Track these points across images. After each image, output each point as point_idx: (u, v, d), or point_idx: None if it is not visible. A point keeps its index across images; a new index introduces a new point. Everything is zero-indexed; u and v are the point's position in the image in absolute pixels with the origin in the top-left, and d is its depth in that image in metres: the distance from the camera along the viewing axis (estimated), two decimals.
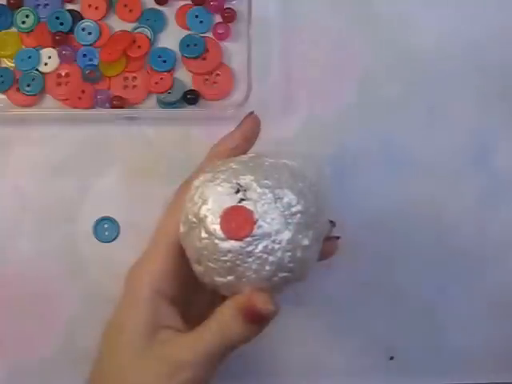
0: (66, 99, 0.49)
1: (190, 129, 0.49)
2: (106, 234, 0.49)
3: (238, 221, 0.35)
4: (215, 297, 0.41)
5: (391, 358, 0.50)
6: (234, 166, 0.36)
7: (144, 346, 0.37)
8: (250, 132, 0.41)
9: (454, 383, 0.50)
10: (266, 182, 0.35)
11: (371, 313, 0.49)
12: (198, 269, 0.37)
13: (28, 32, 0.49)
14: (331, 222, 0.40)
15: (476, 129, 0.50)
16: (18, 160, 0.49)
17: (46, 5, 0.49)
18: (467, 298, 0.50)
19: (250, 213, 0.35)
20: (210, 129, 0.49)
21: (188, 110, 0.49)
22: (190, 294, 0.40)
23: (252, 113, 0.41)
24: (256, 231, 0.34)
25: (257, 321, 0.36)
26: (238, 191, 0.35)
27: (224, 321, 0.36)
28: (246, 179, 0.35)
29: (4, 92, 0.49)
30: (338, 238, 0.42)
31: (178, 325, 0.38)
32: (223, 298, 0.40)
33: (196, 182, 0.37)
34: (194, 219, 0.36)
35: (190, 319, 0.39)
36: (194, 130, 0.49)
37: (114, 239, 0.49)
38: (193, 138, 0.49)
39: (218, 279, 0.36)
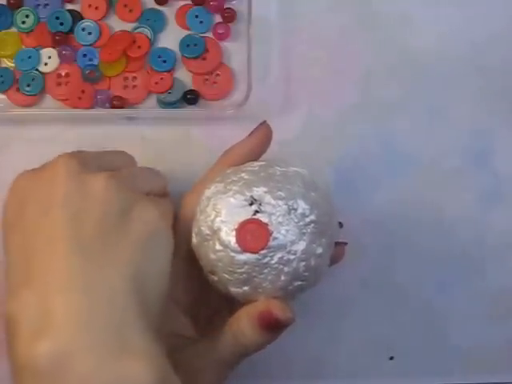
0: (66, 99, 0.49)
1: (190, 129, 0.49)
2: None
3: (253, 234, 0.35)
4: (221, 303, 0.41)
5: (391, 358, 0.50)
6: (246, 177, 0.37)
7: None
8: (261, 140, 0.41)
9: (454, 383, 0.50)
10: (279, 193, 0.36)
11: (371, 313, 0.49)
12: (212, 278, 0.37)
13: (28, 32, 0.49)
14: (339, 223, 0.40)
15: (477, 129, 0.50)
16: (18, 160, 0.49)
17: (46, 5, 0.49)
18: (467, 297, 0.50)
19: (264, 226, 0.35)
20: (209, 129, 0.49)
21: (188, 110, 0.49)
22: (200, 301, 0.40)
23: (264, 122, 0.41)
24: (271, 243, 0.35)
25: (274, 328, 0.36)
26: (251, 203, 0.36)
27: (239, 328, 0.36)
28: (259, 191, 0.36)
29: (4, 92, 0.49)
30: (345, 243, 0.42)
31: (189, 332, 0.38)
32: (228, 304, 0.40)
33: (207, 193, 0.37)
34: (208, 231, 0.36)
35: (197, 326, 0.39)
36: (194, 129, 0.49)
37: None
38: (193, 137, 0.49)
39: (234, 289, 0.36)
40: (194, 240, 0.37)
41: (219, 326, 0.37)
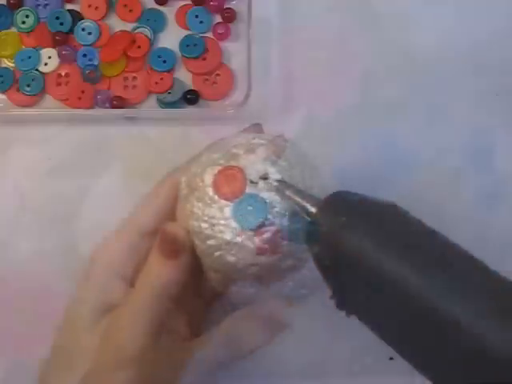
0: (66, 99, 0.49)
1: (190, 129, 0.49)
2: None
3: (228, 179, 0.34)
4: (213, 297, 0.41)
5: (391, 358, 0.49)
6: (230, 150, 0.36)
7: (93, 320, 0.37)
8: None
9: None
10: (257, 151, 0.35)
11: None
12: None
13: (28, 32, 0.49)
14: None
15: (476, 129, 0.50)
16: (18, 160, 0.49)
17: (46, 5, 0.49)
18: None
19: (241, 171, 0.34)
20: (209, 129, 0.49)
21: (188, 110, 0.49)
22: (192, 294, 0.40)
23: (259, 123, 0.41)
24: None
25: (273, 330, 0.36)
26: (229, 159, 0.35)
27: (236, 330, 0.36)
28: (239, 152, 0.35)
29: (4, 92, 0.49)
30: None
31: (181, 328, 0.38)
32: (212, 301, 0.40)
33: (184, 185, 0.37)
34: (191, 188, 0.36)
35: (189, 321, 0.39)
36: (194, 129, 0.49)
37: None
38: (193, 137, 0.49)
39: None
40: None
41: (211, 325, 0.37)
